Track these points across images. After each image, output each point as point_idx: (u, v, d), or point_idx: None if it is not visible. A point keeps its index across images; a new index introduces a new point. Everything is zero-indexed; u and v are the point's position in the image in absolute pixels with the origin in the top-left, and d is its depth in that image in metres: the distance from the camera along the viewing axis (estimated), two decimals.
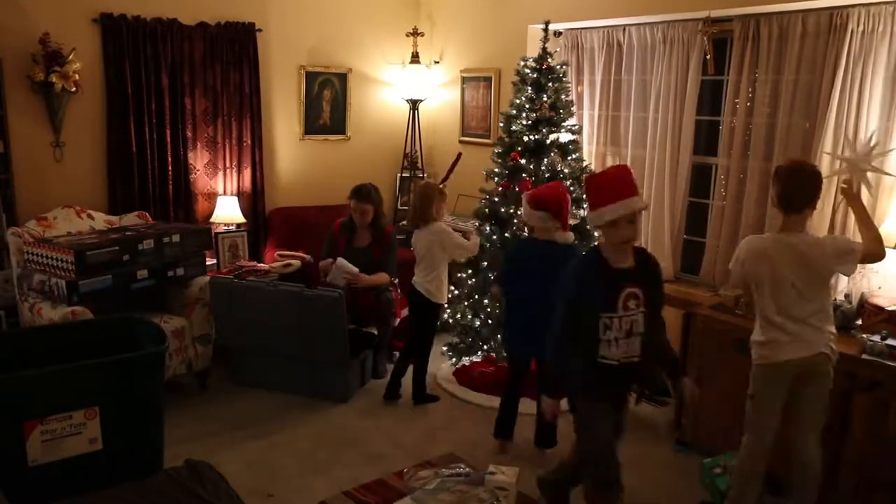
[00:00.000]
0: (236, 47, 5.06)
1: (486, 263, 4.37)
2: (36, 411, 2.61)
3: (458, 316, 4.47)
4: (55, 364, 2.73)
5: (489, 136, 5.46)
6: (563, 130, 4.33)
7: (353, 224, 4.52)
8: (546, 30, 4.28)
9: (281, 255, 4.92)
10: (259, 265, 4.74)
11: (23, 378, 2.62)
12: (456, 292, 4.55)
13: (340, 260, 4.30)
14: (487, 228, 4.37)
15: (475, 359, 4.65)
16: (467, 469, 2.54)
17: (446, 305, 4.36)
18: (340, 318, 4.02)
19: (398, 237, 4.78)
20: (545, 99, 4.26)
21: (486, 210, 4.40)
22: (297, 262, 4.65)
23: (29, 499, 2.56)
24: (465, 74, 5.71)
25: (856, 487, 3.08)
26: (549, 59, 4.29)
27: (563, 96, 4.31)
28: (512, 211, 4.27)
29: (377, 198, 4.51)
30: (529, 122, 4.27)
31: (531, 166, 4.24)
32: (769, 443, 2.91)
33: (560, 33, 5.00)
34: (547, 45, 4.29)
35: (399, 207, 5.96)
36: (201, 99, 4.99)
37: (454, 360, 4.61)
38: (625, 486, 2.72)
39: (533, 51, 4.54)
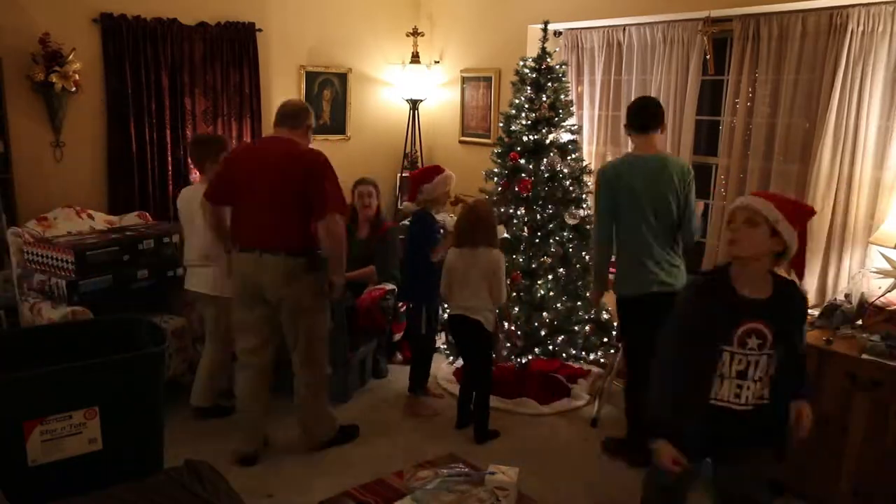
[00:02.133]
0: (236, 47, 5.06)
1: None
2: (36, 411, 2.61)
3: None
4: (55, 364, 2.73)
5: (489, 136, 5.46)
6: (562, 130, 4.33)
7: (355, 215, 4.54)
8: (545, 30, 4.28)
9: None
10: None
11: (22, 378, 2.62)
12: None
13: None
14: None
15: None
16: (467, 469, 2.54)
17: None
18: (340, 320, 4.01)
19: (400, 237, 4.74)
20: (544, 99, 4.26)
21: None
22: None
23: (29, 499, 2.56)
24: (465, 74, 5.71)
25: (856, 487, 3.08)
26: (549, 59, 4.29)
27: (562, 96, 4.31)
28: (512, 210, 4.27)
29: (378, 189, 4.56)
30: (529, 122, 4.27)
31: (531, 166, 4.24)
32: None
33: (560, 33, 5.00)
34: (546, 45, 4.29)
35: (399, 207, 5.95)
36: (201, 99, 4.98)
37: (453, 360, 4.61)
38: None
39: (533, 51, 4.54)
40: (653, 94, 4.47)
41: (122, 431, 2.80)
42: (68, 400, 2.68)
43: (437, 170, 4.06)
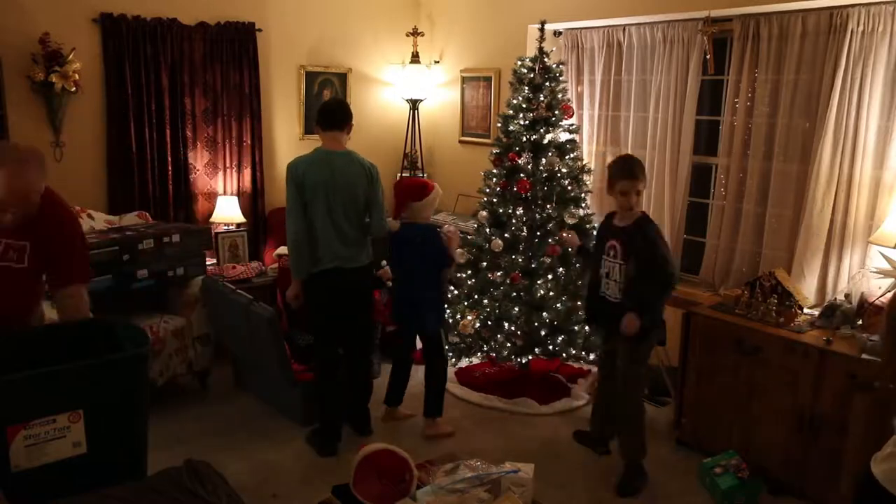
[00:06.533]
0: (236, 47, 5.06)
1: (484, 264, 4.37)
2: (19, 416, 2.54)
3: (458, 316, 4.46)
4: (46, 367, 2.68)
5: (489, 136, 5.45)
6: (560, 130, 4.32)
7: None
8: (542, 29, 4.28)
9: (279, 256, 4.91)
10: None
11: (5, 382, 2.57)
12: (455, 292, 4.55)
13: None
14: (487, 229, 4.37)
15: (475, 359, 4.66)
16: (481, 466, 2.48)
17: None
18: (277, 338, 3.75)
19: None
20: (542, 99, 4.26)
21: (485, 210, 4.39)
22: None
23: (15, 502, 2.51)
24: (464, 74, 5.71)
25: (856, 487, 3.08)
26: (546, 59, 4.28)
27: (559, 96, 4.30)
28: (511, 211, 4.27)
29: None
30: (527, 122, 4.26)
31: (529, 166, 4.24)
32: None
33: (560, 33, 4.99)
34: (543, 45, 4.29)
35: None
36: (201, 99, 4.99)
37: (454, 360, 4.61)
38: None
39: (532, 51, 4.53)
40: (653, 94, 4.47)
41: (105, 434, 2.75)
42: (52, 403, 2.60)
43: (427, 187, 3.77)
